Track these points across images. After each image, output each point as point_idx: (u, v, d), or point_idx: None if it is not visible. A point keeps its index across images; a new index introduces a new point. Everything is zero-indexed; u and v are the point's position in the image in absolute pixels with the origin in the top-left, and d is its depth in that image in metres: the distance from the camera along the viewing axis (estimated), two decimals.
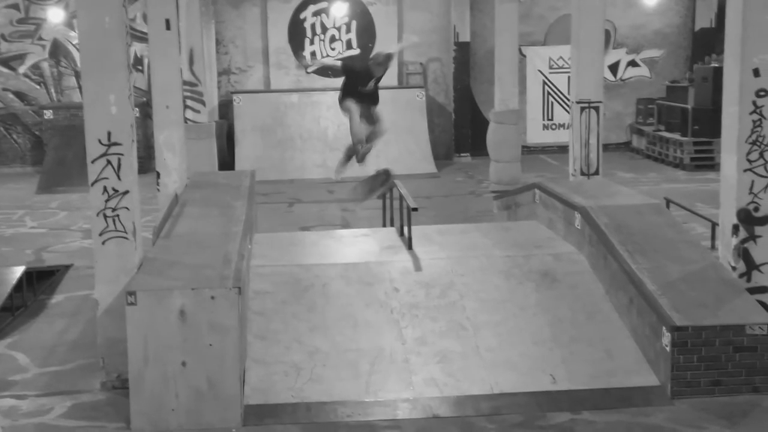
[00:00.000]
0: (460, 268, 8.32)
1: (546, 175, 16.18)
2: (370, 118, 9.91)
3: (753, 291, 7.39)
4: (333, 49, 19.88)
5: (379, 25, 19.88)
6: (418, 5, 19.96)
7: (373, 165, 18.69)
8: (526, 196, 10.84)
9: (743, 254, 7.54)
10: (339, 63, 10.80)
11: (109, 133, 6.90)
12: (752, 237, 7.52)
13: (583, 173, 10.80)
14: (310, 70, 19.70)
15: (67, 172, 17.13)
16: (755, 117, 7.38)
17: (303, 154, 18.62)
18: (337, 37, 19.96)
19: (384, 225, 11.03)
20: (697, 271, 7.40)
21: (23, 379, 7.40)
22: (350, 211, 14.46)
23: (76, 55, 18.75)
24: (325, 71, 19.86)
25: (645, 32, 20.71)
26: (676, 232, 8.14)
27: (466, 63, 19.97)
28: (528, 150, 19.31)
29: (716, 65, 17.13)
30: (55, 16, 19.34)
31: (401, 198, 9.40)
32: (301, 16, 19.90)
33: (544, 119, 20.64)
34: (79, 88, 18.30)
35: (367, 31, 19.91)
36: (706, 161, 17.55)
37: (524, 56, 19.86)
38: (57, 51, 19.49)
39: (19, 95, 19.53)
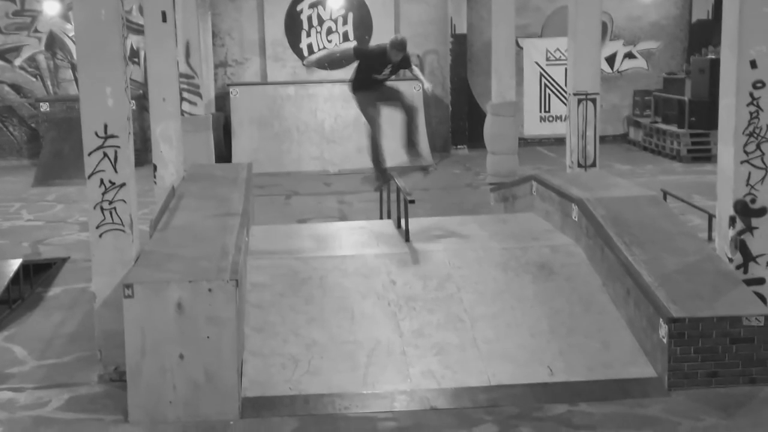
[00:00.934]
0: (457, 260, 8.32)
1: (543, 167, 16.19)
2: (407, 108, 9.36)
3: (750, 282, 7.40)
4: (330, 41, 19.86)
5: (376, 17, 19.85)
6: None
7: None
8: (523, 188, 10.84)
9: (740, 246, 7.55)
10: (342, 51, 10.40)
11: (105, 126, 6.89)
12: (749, 228, 7.53)
13: (580, 165, 10.81)
14: (307, 63, 19.66)
15: (63, 164, 17.11)
16: (752, 108, 7.38)
17: (300, 146, 18.62)
18: (333, 29, 19.93)
19: (381, 217, 11.02)
20: (694, 262, 7.41)
21: (20, 372, 7.40)
22: (347, 204, 14.46)
23: (72, 47, 18.71)
24: (321, 63, 19.83)
25: (642, 24, 20.70)
26: (673, 224, 8.15)
27: (463, 55, 19.95)
28: (525, 142, 19.29)
29: (713, 57, 17.12)
30: (51, 8, 19.28)
31: (398, 190, 9.40)
32: (298, 8, 19.86)
33: (541, 111, 20.63)
34: (76, 80, 18.27)
35: (363, 23, 19.88)
36: (702, 153, 17.56)
37: (521, 48, 19.85)
38: (53, 43, 19.44)
39: (15, 88, 19.48)
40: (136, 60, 19.18)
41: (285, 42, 19.84)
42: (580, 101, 10.62)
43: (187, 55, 12.44)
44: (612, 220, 8.08)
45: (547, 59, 20.40)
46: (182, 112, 11.12)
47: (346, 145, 18.60)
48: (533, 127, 20.51)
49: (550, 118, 20.59)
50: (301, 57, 19.72)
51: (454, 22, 19.75)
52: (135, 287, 6.37)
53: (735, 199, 7.50)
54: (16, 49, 19.42)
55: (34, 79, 19.50)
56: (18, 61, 19.43)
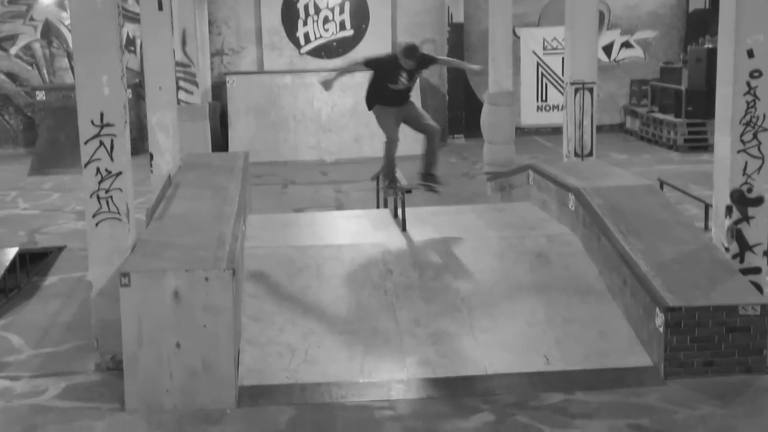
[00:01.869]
0: (454, 249, 8.33)
1: (540, 157, 16.18)
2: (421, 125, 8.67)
3: (746, 272, 7.42)
4: (326, 30, 19.81)
5: (373, 6, 19.80)
6: None
7: (367, 147, 18.63)
8: (519, 177, 10.84)
9: (736, 235, 7.56)
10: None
11: (101, 114, 6.87)
12: (745, 218, 7.53)
13: (576, 154, 10.80)
14: (304, 51, 19.67)
15: (59, 153, 17.08)
16: (749, 98, 7.38)
17: (296, 135, 18.61)
18: (330, 18, 19.87)
19: (378, 206, 11.02)
20: (690, 252, 7.42)
21: (17, 361, 7.40)
22: (344, 193, 14.46)
23: (68, 35, 18.64)
24: (318, 52, 19.81)
25: (639, 13, 20.67)
26: (669, 214, 8.15)
27: (460, 44, 19.91)
28: (522, 131, 19.28)
29: (710, 46, 17.11)
30: None
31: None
32: None
33: (538, 101, 20.62)
34: (72, 69, 18.22)
35: (360, 12, 19.83)
36: (699, 143, 17.56)
37: (518, 37, 19.81)
38: (49, 32, 19.38)
39: (11, 76, 19.42)
40: (132, 49, 19.12)
41: (281, 31, 19.78)
42: (577, 90, 10.61)
43: (184, 43, 12.41)
44: (608, 209, 8.08)
45: (544, 48, 20.37)
46: (179, 101, 11.10)
47: (342, 134, 18.59)
48: (530, 116, 20.49)
49: (547, 108, 20.58)
50: (298, 46, 19.69)
51: (451, 11, 19.70)
52: (132, 276, 6.37)
53: (731, 188, 7.50)
54: (12, 38, 19.35)
55: (30, 68, 19.44)
56: (14, 50, 19.37)
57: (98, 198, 6.95)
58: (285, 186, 15.36)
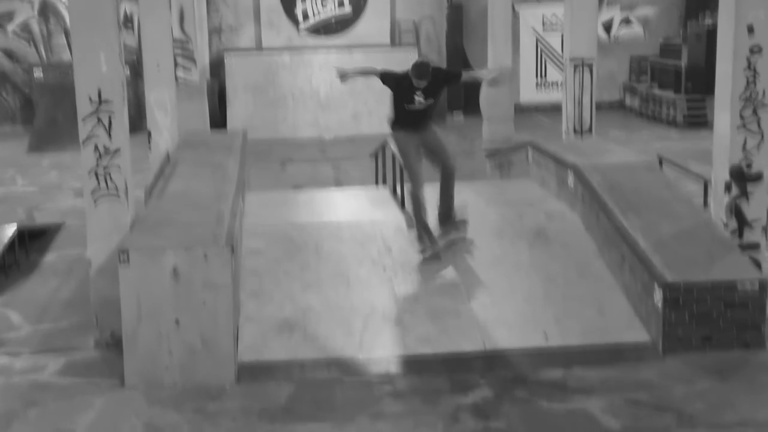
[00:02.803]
0: None
1: (539, 134, 16.14)
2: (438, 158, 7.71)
3: (745, 247, 7.43)
4: (325, 7, 19.71)
5: None
6: None
7: (366, 125, 18.62)
8: (518, 154, 10.83)
9: (735, 211, 7.56)
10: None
11: (99, 91, 6.85)
12: (744, 194, 7.54)
13: (576, 132, 10.78)
14: (302, 28, 19.60)
15: (58, 131, 17.05)
16: (749, 73, 7.36)
17: (295, 113, 18.59)
18: None
19: (377, 184, 11.02)
20: (689, 228, 7.42)
21: (17, 337, 7.42)
22: (342, 170, 14.44)
23: (66, 13, 18.54)
24: (316, 29, 19.72)
25: None
26: (668, 190, 8.15)
27: (459, 22, 19.82)
28: (521, 109, 19.24)
29: (710, 23, 17.04)
30: None
31: (393, 157, 9.38)
32: None
33: (537, 78, 20.56)
34: (69, 46, 18.14)
35: None
36: (699, 119, 17.53)
37: (517, 14, 19.72)
38: (46, 9, 19.28)
39: (8, 54, 19.35)
40: (129, 26, 19.04)
41: (280, 8, 19.68)
42: (576, 67, 10.58)
43: (181, 20, 12.37)
44: (607, 186, 8.08)
45: (544, 25, 20.29)
46: (177, 79, 11.06)
47: (341, 111, 18.56)
48: (529, 93, 20.44)
49: (546, 85, 20.52)
50: (296, 24, 19.60)
51: None
52: (130, 253, 6.36)
53: (731, 164, 7.50)
54: (9, 15, 19.27)
55: (27, 45, 19.36)
56: (11, 27, 19.28)
57: (96, 175, 6.94)
58: (283, 163, 15.34)
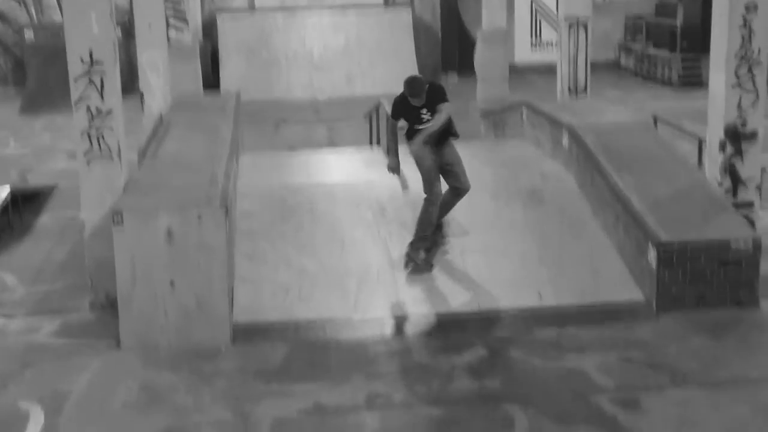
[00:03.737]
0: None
1: (533, 95, 16.07)
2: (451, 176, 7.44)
3: (739, 206, 7.43)
4: None
5: None
6: None
7: (359, 86, 18.48)
8: (513, 115, 10.80)
9: (730, 170, 7.56)
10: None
11: (90, 52, 6.78)
12: (739, 152, 7.53)
13: (570, 92, 10.74)
14: None
15: (50, 93, 16.92)
16: (744, 31, 7.31)
17: (288, 74, 18.46)
18: None
19: (370, 144, 10.99)
20: (683, 188, 7.42)
21: (11, 299, 7.42)
22: (336, 131, 14.39)
23: None
24: None
25: None
26: (663, 150, 8.13)
27: None
28: (516, 69, 19.14)
29: None
30: None
31: (388, 118, 9.32)
32: None
33: (531, 38, 20.44)
34: (60, 6, 17.95)
35: None
36: (693, 78, 17.47)
37: None
38: None
39: None
40: None
41: None
42: (571, 26, 10.51)
43: None
44: (602, 146, 8.06)
45: None
46: (168, 39, 10.98)
47: (334, 72, 18.44)
48: (524, 54, 20.33)
49: (541, 45, 20.41)
50: None
51: None
52: (124, 215, 6.35)
53: (726, 123, 7.48)
54: None
55: (17, 6, 19.15)
56: None
57: (89, 136, 6.90)
58: (277, 125, 15.27)
